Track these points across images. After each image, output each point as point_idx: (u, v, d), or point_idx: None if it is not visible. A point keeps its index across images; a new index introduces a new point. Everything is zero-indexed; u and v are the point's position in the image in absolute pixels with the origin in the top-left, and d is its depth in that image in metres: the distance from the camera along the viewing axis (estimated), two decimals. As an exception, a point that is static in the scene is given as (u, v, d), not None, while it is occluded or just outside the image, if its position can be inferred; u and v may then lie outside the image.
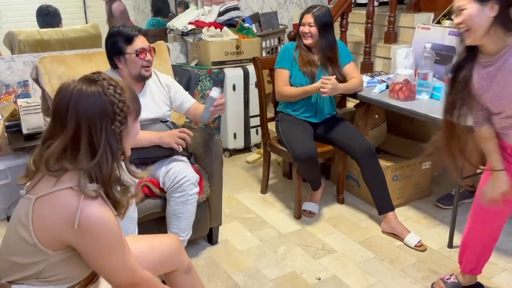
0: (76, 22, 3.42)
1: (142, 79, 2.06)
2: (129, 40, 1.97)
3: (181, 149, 2.02)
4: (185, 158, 2.07)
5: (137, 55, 1.97)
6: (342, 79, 2.50)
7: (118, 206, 1.16)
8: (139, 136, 1.94)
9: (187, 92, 2.26)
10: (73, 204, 1.05)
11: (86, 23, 3.48)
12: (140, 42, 1.99)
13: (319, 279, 2.05)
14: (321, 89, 2.29)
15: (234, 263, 2.17)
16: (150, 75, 2.07)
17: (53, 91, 2.16)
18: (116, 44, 1.98)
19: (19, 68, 2.88)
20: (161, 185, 1.95)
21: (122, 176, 1.16)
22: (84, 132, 1.07)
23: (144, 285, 1.23)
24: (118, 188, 1.15)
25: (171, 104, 2.20)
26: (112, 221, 1.10)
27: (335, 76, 2.35)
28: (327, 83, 2.28)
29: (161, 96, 2.15)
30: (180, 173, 1.91)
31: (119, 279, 1.17)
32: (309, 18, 2.42)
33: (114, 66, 2.04)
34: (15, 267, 1.12)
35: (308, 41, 2.45)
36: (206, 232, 2.21)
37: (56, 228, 1.07)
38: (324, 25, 2.42)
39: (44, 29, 3.19)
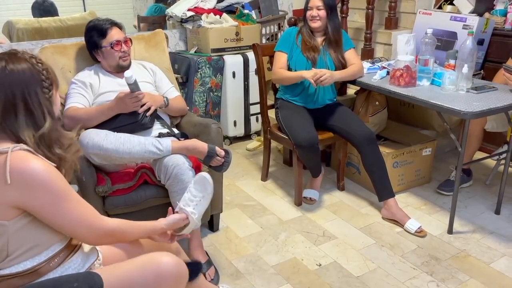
0: (75, 9, 3.39)
1: (121, 69, 2.13)
2: (103, 34, 2.07)
3: (144, 111, 2.00)
4: (173, 138, 2.03)
5: (112, 47, 2.07)
6: (344, 62, 2.50)
7: (62, 164, 1.20)
8: (89, 110, 1.97)
9: (172, 85, 2.30)
10: (1, 164, 1.08)
11: (85, 10, 3.46)
12: (115, 34, 2.09)
13: (320, 265, 2.07)
14: (322, 82, 2.29)
15: (235, 249, 2.18)
16: (129, 65, 2.15)
17: None
18: (92, 39, 2.10)
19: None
20: (158, 178, 1.93)
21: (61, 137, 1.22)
22: (19, 100, 1.14)
23: (116, 235, 1.24)
24: (59, 147, 1.20)
25: (156, 90, 2.23)
26: (47, 169, 1.11)
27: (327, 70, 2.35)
28: (323, 73, 2.28)
29: (146, 77, 2.22)
30: (169, 162, 1.85)
31: (83, 233, 1.18)
32: (317, 2, 2.43)
33: (95, 59, 2.16)
34: None
35: (316, 24, 2.45)
36: (207, 219, 2.22)
37: None
38: (331, 7, 2.45)
39: (43, 18, 3.18)
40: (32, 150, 1.13)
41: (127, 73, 1.89)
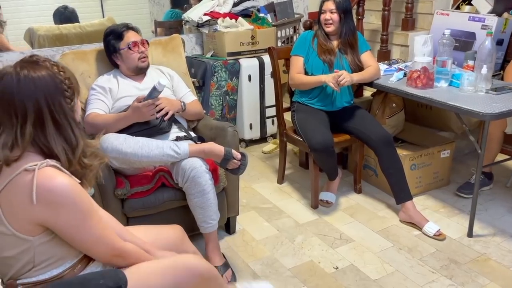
0: (94, 15, 3.46)
1: (140, 71, 2.18)
2: (120, 36, 2.13)
3: (159, 117, 2.01)
4: (190, 142, 2.04)
5: (129, 48, 2.11)
6: (361, 65, 2.49)
7: (85, 174, 1.20)
8: (107, 118, 2.01)
9: (189, 89, 2.33)
10: (28, 183, 1.07)
11: (103, 17, 3.52)
12: (132, 35, 2.14)
13: (337, 268, 2.06)
14: (341, 82, 2.29)
15: (251, 252, 2.19)
16: (148, 65, 2.20)
17: None
18: (110, 43, 2.15)
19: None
20: (175, 181, 1.96)
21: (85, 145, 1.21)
22: (46, 111, 1.12)
23: (130, 257, 1.24)
24: (84, 156, 1.19)
25: (174, 94, 2.26)
26: (73, 187, 1.10)
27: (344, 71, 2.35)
28: (341, 73, 2.29)
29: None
30: (186, 165, 1.87)
31: (100, 252, 1.18)
32: (330, 5, 2.43)
33: (114, 65, 2.21)
34: (7, 262, 1.14)
35: (330, 28, 2.45)
36: (223, 222, 2.24)
37: (24, 212, 1.08)
38: (345, 11, 2.44)
39: (63, 25, 3.25)
40: (58, 165, 1.12)
41: (162, 81, 1.91)
